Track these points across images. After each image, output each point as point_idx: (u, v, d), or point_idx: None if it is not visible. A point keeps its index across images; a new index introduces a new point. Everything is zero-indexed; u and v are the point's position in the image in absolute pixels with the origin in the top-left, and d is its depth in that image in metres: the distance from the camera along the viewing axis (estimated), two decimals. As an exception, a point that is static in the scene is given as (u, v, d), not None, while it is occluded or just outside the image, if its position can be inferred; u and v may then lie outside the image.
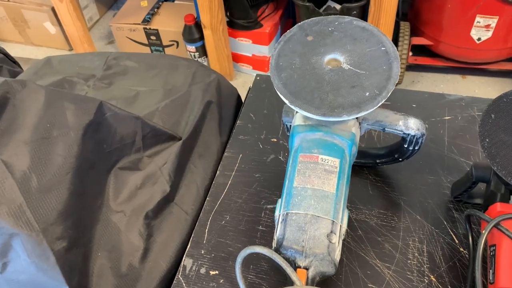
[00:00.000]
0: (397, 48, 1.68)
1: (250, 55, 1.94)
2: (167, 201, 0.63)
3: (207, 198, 0.66)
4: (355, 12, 1.59)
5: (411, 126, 0.55)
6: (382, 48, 0.54)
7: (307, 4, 1.60)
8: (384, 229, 0.60)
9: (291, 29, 0.57)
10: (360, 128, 0.57)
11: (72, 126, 0.56)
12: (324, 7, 1.67)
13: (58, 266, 0.49)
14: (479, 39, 1.58)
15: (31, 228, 0.49)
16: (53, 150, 0.53)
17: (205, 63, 1.98)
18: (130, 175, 0.62)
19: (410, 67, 1.86)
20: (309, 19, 0.57)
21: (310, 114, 0.51)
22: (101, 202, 0.59)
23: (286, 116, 0.61)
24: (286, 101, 0.52)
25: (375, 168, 0.68)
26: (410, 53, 1.75)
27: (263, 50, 1.89)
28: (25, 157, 0.52)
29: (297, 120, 0.56)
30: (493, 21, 1.51)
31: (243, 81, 2.00)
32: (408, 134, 0.56)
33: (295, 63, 0.54)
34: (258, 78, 0.86)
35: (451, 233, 0.59)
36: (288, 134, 0.61)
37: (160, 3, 2.12)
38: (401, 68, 1.72)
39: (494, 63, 1.74)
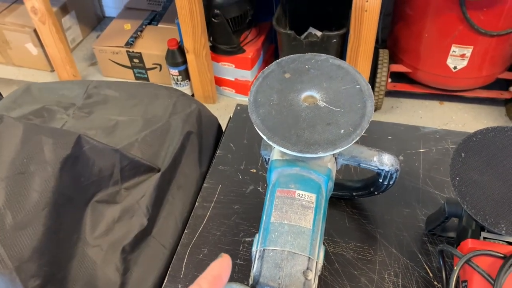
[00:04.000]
0: (376, 75, 1.73)
1: (233, 79, 1.96)
2: (144, 234, 0.62)
3: (185, 231, 0.66)
4: (335, 40, 1.63)
5: (385, 162, 0.56)
6: (357, 86, 0.55)
7: (289, 32, 1.63)
8: (360, 262, 0.61)
9: (269, 66, 0.58)
10: (336, 163, 0.58)
11: (49, 161, 0.55)
12: (305, 34, 1.71)
13: (31, 305, 0.49)
14: (455, 67, 1.63)
15: (4, 265, 0.48)
16: (29, 185, 0.53)
17: (188, 87, 1.99)
18: (107, 208, 0.62)
19: (389, 93, 1.90)
20: (287, 57, 0.59)
21: (287, 150, 0.52)
22: (77, 236, 0.58)
23: (264, 150, 0.62)
24: (264, 137, 0.53)
25: (352, 200, 0.69)
26: (389, 80, 1.79)
27: (245, 75, 1.92)
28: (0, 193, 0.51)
29: (275, 155, 0.57)
30: (468, 51, 1.56)
31: (225, 105, 2.01)
32: (383, 170, 0.57)
33: (273, 100, 0.55)
34: (238, 108, 0.87)
35: (426, 266, 0.60)
36: (267, 166, 0.62)
37: (144, 26, 2.13)
38: (380, 94, 1.76)
39: (470, 90, 1.79)
